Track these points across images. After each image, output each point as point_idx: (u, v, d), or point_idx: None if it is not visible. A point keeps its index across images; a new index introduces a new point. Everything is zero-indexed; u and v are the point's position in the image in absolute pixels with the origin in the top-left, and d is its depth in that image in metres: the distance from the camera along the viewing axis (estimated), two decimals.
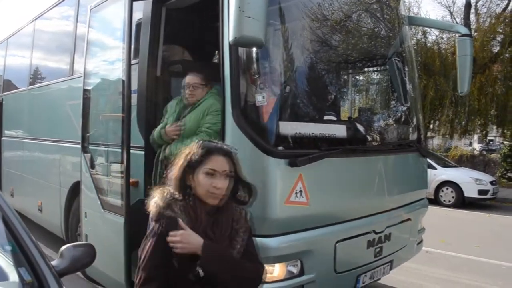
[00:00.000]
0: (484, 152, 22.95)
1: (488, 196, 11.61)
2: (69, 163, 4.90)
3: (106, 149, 3.87)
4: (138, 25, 3.52)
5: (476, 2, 17.33)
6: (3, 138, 7.39)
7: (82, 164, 4.16)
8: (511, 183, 15.93)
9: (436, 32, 15.63)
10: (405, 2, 13.53)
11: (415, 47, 15.37)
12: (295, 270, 2.88)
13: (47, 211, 5.49)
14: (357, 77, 4.19)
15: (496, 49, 16.23)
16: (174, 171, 1.84)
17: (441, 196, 11.66)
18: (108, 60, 3.98)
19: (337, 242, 3.06)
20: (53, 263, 1.86)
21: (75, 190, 4.56)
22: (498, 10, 16.75)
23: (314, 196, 2.85)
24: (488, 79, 15.42)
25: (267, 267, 2.16)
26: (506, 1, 16.50)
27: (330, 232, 3.05)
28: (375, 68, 4.31)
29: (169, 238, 1.70)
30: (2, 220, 1.82)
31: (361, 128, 3.57)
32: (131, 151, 3.32)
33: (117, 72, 3.64)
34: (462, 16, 17.65)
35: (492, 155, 20.84)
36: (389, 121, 3.97)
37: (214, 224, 1.82)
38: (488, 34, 15.87)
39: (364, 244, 3.32)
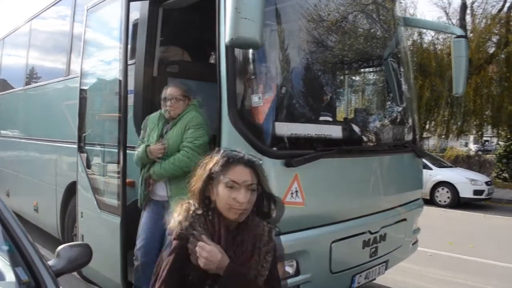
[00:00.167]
0: (480, 153, 23.05)
1: (483, 196, 11.67)
2: (65, 163, 4.89)
3: (103, 149, 3.88)
4: (135, 26, 3.53)
5: (472, 3, 17.43)
6: None
7: (78, 164, 4.16)
8: (506, 184, 16.01)
9: (432, 33, 15.69)
10: (401, 3, 13.60)
11: (411, 48, 15.43)
12: (290, 270, 2.90)
13: (43, 211, 5.48)
14: (353, 78, 4.22)
15: (491, 50, 16.31)
16: (195, 182, 1.69)
17: (437, 196, 11.71)
18: (104, 60, 3.98)
19: (333, 242, 3.08)
20: (50, 263, 1.86)
21: (71, 190, 4.56)
22: (494, 11, 16.85)
23: (309, 196, 2.87)
24: (483, 80, 15.49)
25: None
26: (502, 2, 16.61)
27: (326, 232, 3.07)
28: (370, 69, 4.33)
29: (197, 249, 1.56)
30: None
31: (356, 128, 3.60)
32: (127, 151, 3.32)
33: (114, 72, 3.64)
34: (458, 17, 17.72)
35: (488, 155, 20.96)
36: (384, 122, 3.99)
37: (234, 241, 1.65)
38: (483, 35, 15.94)
39: (360, 244, 3.35)
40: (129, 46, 3.41)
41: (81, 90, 4.14)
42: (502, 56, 15.49)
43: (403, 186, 3.97)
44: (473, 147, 31.52)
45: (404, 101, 4.14)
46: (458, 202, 11.46)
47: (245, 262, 1.63)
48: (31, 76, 6.50)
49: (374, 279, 3.74)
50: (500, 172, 17.29)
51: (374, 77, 4.41)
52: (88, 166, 4.03)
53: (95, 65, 4.13)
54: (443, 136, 18.56)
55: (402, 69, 4.17)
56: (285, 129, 2.88)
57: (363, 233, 3.36)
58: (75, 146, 4.21)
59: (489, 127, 18.03)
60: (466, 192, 11.46)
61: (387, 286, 4.79)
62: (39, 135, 5.67)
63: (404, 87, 4.22)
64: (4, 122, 7.20)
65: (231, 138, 2.72)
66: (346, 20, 3.66)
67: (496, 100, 15.23)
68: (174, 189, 3.03)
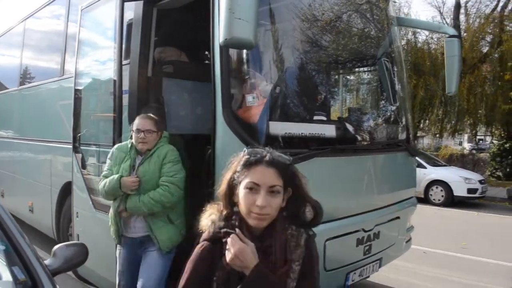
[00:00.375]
0: (474, 152, 23.19)
1: (477, 194, 11.75)
2: (60, 163, 4.89)
3: (98, 149, 3.89)
4: (129, 26, 3.53)
5: (466, 3, 17.52)
6: None
7: (74, 165, 4.17)
8: (500, 182, 16.11)
9: (426, 32, 15.76)
10: (395, 2, 13.65)
11: (405, 47, 15.50)
12: None
13: (38, 211, 5.48)
14: (347, 78, 4.25)
15: (485, 49, 16.42)
16: (221, 185, 1.55)
17: (431, 195, 11.78)
18: (99, 60, 3.99)
19: (327, 240, 3.10)
20: (46, 262, 1.88)
21: (66, 190, 4.56)
22: (488, 10, 16.95)
23: None
24: (477, 79, 15.60)
25: None
26: (495, 2, 16.71)
27: (320, 230, 3.05)
28: (364, 69, 4.36)
29: (229, 240, 1.44)
30: None
31: (350, 128, 3.62)
32: None
33: (109, 72, 3.66)
34: (452, 16, 17.81)
35: (482, 154, 21.09)
36: (378, 121, 4.03)
37: (260, 248, 1.46)
38: (477, 34, 16.04)
39: (353, 242, 3.37)
40: (123, 46, 3.42)
41: (76, 90, 4.14)
42: (496, 55, 15.61)
43: (396, 184, 4.00)
44: (467, 146, 31.70)
45: (398, 101, 4.18)
46: (452, 201, 11.54)
47: (273, 272, 1.45)
48: (26, 76, 6.49)
49: (368, 276, 3.76)
50: (494, 171, 17.42)
51: (367, 77, 4.44)
52: (83, 166, 4.04)
53: (89, 65, 4.14)
54: (437, 135, 18.65)
55: (395, 69, 4.21)
56: (279, 128, 2.90)
57: (357, 231, 3.39)
58: (70, 146, 4.22)
59: (483, 126, 18.11)
60: (460, 190, 11.54)
61: (380, 283, 4.83)
62: (34, 135, 5.66)
63: (398, 86, 4.26)
64: (0, 122, 7.17)
65: (225, 138, 2.74)
66: (340, 20, 3.69)
67: (490, 99, 15.32)
68: (155, 224, 2.90)
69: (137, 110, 3.45)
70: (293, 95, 3.24)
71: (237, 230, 1.45)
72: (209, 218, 1.54)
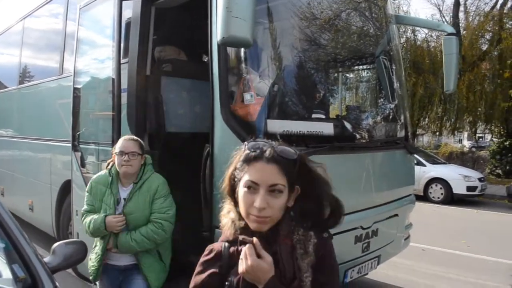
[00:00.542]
0: (474, 149, 23.21)
1: (476, 192, 11.77)
2: (59, 162, 4.91)
3: (97, 147, 3.90)
4: (128, 24, 3.54)
5: (465, 1, 17.54)
6: None
7: (73, 163, 4.18)
8: (499, 180, 16.14)
9: (426, 30, 15.76)
10: (394, 0, 13.65)
11: (404, 45, 15.52)
12: None
13: (38, 210, 5.49)
14: (345, 76, 4.25)
15: (484, 47, 16.44)
16: (223, 182, 1.38)
17: (430, 192, 11.80)
18: (98, 59, 4.00)
19: None
20: (46, 260, 1.89)
21: (66, 189, 4.57)
22: (487, 8, 16.98)
23: None
24: (476, 77, 15.61)
25: None
26: (495, 0, 16.71)
27: None
28: (362, 67, 4.37)
29: (242, 252, 1.27)
30: None
31: (348, 125, 3.63)
32: None
33: (107, 70, 3.67)
34: (451, 14, 17.81)
35: (482, 152, 21.12)
36: (376, 119, 4.03)
37: None
38: (476, 32, 16.06)
39: (352, 240, 3.39)
40: (122, 45, 3.43)
41: (75, 89, 4.16)
42: (495, 53, 15.62)
43: (395, 182, 4.01)
44: (467, 143, 31.73)
45: (396, 98, 4.19)
46: (451, 199, 11.56)
47: (283, 282, 1.27)
48: (25, 75, 6.50)
49: (367, 273, 3.78)
50: (494, 169, 17.43)
51: (365, 75, 4.45)
52: (83, 164, 4.05)
53: (88, 64, 4.15)
54: (437, 133, 18.68)
55: (393, 67, 4.21)
56: (277, 126, 2.92)
57: (355, 228, 3.40)
58: (70, 145, 4.23)
59: (483, 124, 18.13)
60: (459, 188, 11.56)
61: (379, 281, 4.85)
62: (33, 134, 5.68)
63: (396, 84, 4.26)
64: (0, 121, 7.19)
65: (224, 136, 2.75)
66: (338, 18, 3.70)
67: (489, 97, 15.35)
68: (144, 260, 2.74)
69: (136, 108, 3.47)
70: (291, 93, 3.25)
71: (254, 239, 1.27)
72: (228, 216, 1.37)
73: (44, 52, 6.02)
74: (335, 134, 3.38)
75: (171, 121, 3.70)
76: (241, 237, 1.31)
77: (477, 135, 26.28)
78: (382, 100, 4.27)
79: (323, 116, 3.53)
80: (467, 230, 8.27)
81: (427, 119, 17.40)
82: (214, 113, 2.82)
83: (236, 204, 1.35)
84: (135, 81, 3.44)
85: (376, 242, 3.66)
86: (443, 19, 18.11)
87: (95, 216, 2.72)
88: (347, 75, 4.30)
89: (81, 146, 4.09)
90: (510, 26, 15.85)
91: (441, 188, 11.72)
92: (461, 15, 17.61)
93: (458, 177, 11.75)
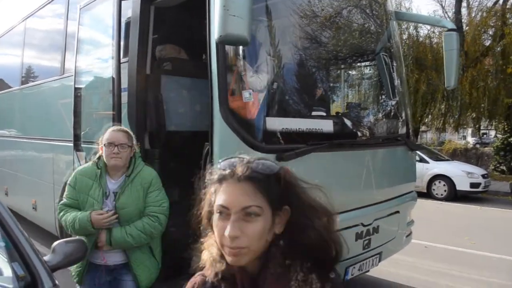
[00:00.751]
0: (478, 146, 23.11)
1: (479, 189, 11.74)
2: (62, 161, 4.93)
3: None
4: (127, 24, 3.56)
5: None
6: None
7: (75, 162, 4.20)
8: (503, 176, 16.07)
9: (428, 26, 15.70)
10: None
11: (407, 42, 15.46)
12: None
13: (41, 209, 5.53)
14: (344, 73, 4.25)
15: (487, 43, 16.34)
16: (202, 207, 1.14)
17: (434, 189, 11.78)
18: (98, 59, 4.02)
19: None
20: (46, 258, 1.91)
21: None
22: (489, 3, 16.87)
23: None
24: (479, 73, 15.51)
25: None
26: None
27: None
28: (361, 63, 4.37)
29: None
30: None
31: (347, 122, 3.64)
32: None
33: (108, 70, 3.68)
34: (453, 10, 17.72)
35: (486, 148, 21.02)
36: (375, 116, 4.04)
37: None
38: (479, 28, 15.97)
39: (352, 237, 3.39)
40: (122, 44, 3.45)
41: (76, 89, 4.18)
42: (498, 48, 15.50)
43: (395, 179, 4.01)
44: (471, 140, 31.60)
45: (396, 95, 4.18)
46: (455, 195, 11.53)
47: None
48: (27, 75, 6.53)
49: (368, 271, 3.78)
50: (498, 165, 17.36)
51: (365, 72, 4.45)
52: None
53: (89, 63, 4.17)
54: (440, 130, 18.62)
55: (394, 63, 4.21)
56: (276, 124, 2.93)
57: (356, 225, 3.40)
58: (72, 144, 4.25)
59: (486, 120, 18.04)
60: (462, 185, 11.53)
61: (381, 278, 4.85)
62: (36, 134, 5.71)
63: (396, 81, 4.26)
64: (1, 121, 7.23)
65: (223, 134, 2.76)
66: (336, 14, 3.69)
67: (492, 93, 15.26)
68: (135, 257, 2.61)
69: (136, 107, 3.49)
70: (289, 90, 3.25)
71: None
72: (209, 252, 1.13)
73: (46, 52, 6.05)
74: (335, 131, 3.39)
75: (171, 120, 3.71)
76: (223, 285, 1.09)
77: (481, 131, 26.17)
78: (382, 96, 4.27)
79: (323, 114, 3.53)
80: (470, 226, 8.25)
81: (430, 116, 17.33)
82: (213, 112, 2.83)
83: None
84: (135, 80, 3.45)
85: (377, 239, 3.67)
86: (446, 15, 18.03)
87: (79, 214, 2.55)
88: (347, 72, 4.30)
89: (83, 145, 4.12)
90: None
91: (444, 185, 11.69)
92: (464, 10, 17.54)
93: (462, 173, 11.71)
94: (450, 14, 18.07)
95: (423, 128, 19.32)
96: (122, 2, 3.37)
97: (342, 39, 3.76)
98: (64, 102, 4.73)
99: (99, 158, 2.66)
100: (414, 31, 16.38)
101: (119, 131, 2.63)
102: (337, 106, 3.98)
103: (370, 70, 4.36)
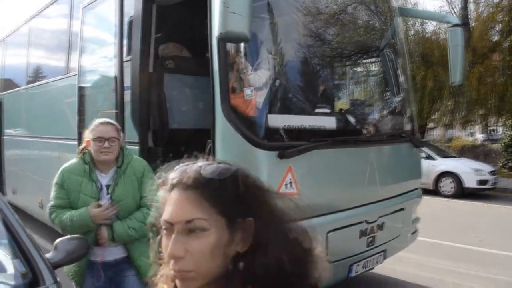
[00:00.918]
0: (486, 143, 22.91)
1: (487, 186, 11.62)
2: (68, 160, 4.94)
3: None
4: (130, 22, 3.57)
5: None
6: (4, 137, 7.47)
7: None
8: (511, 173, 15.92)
9: (434, 22, 15.57)
10: None
11: (413, 38, 15.35)
12: None
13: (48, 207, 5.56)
14: (347, 69, 4.23)
15: (495, 39, 16.18)
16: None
17: (441, 186, 11.68)
18: (101, 58, 4.04)
19: (329, 232, 3.12)
20: (48, 255, 1.93)
21: None
22: None
23: (304, 187, 2.90)
24: (487, 69, 15.37)
25: None
26: None
27: (321, 222, 3.09)
28: (365, 60, 4.33)
29: None
30: None
31: (350, 119, 3.62)
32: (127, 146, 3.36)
33: (111, 69, 3.69)
34: (460, 6, 17.58)
35: (494, 145, 20.82)
36: (380, 112, 4.01)
37: None
38: (487, 23, 15.81)
39: (356, 234, 3.38)
40: (124, 43, 3.46)
41: (80, 88, 4.20)
42: (506, 44, 15.36)
43: (400, 176, 3.99)
44: (479, 136, 31.32)
45: (400, 92, 4.16)
46: (462, 192, 11.42)
47: None
48: (33, 75, 6.58)
49: (372, 268, 3.77)
50: (506, 162, 17.18)
51: (368, 68, 4.42)
52: None
53: (92, 62, 4.19)
54: (447, 126, 18.48)
55: (398, 60, 4.18)
56: (278, 121, 2.92)
57: (360, 222, 3.40)
58: (76, 143, 4.27)
59: (495, 116, 17.86)
60: (470, 182, 11.42)
61: (386, 275, 4.82)
62: (42, 133, 5.75)
63: (401, 77, 4.23)
64: (8, 121, 7.30)
65: (225, 132, 2.76)
66: (339, 10, 3.68)
67: (500, 89, 15.13)
68: (135, 249, 2.52)
69: (139, 106, 3.50)
70: (291, 87, 3.25)
71: None
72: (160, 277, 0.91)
73: (51, 51, 6.09)
74: (338, 128, 3.38)
75: (174, 118, 3.73)
76: None
77: (490, 128, 25.93)
78: (386, 93, 4.25)
79: (325, 110, 3.52)
80: (477, 224, 8.17)
81: (437, 112, 17.20)
82: (214, 109, 2.83)
83: None
84: (138, 79, 3.46)
85: (382, 237, 3.65)
86: (452, 11, 17.88)
87: (74, 212, 2.46)
88: (350, 68, 4.28)
89: None
90: None
91: (451, 182, 11.59)
92: (471, 6, 17.37)
93: (469, 170, 11.60)
94: (456, 10, 17.93)
95: (430, 125, 19.16)
96: (124, 0, 3.38)
97: (345, 35, 3.74)
98: (69, 101, 4.76)
99: (84, 153, 2.56)
100: (421, 27, 16.28)
101: (108, 124, 2.52)
102: (339, 103, 3.97)
103: (373, 66, 4.33)
